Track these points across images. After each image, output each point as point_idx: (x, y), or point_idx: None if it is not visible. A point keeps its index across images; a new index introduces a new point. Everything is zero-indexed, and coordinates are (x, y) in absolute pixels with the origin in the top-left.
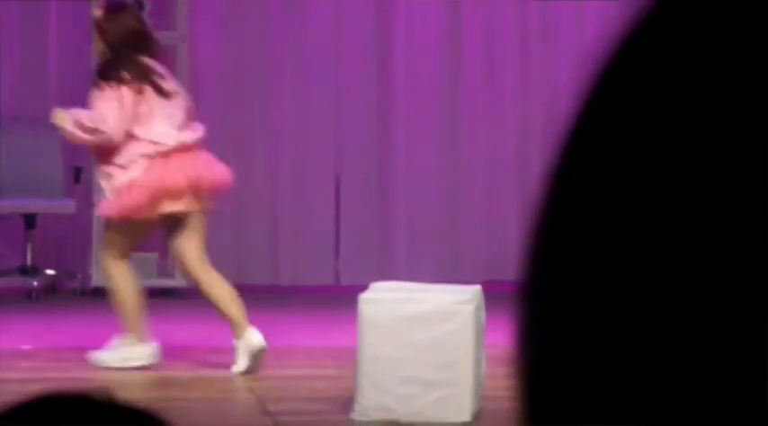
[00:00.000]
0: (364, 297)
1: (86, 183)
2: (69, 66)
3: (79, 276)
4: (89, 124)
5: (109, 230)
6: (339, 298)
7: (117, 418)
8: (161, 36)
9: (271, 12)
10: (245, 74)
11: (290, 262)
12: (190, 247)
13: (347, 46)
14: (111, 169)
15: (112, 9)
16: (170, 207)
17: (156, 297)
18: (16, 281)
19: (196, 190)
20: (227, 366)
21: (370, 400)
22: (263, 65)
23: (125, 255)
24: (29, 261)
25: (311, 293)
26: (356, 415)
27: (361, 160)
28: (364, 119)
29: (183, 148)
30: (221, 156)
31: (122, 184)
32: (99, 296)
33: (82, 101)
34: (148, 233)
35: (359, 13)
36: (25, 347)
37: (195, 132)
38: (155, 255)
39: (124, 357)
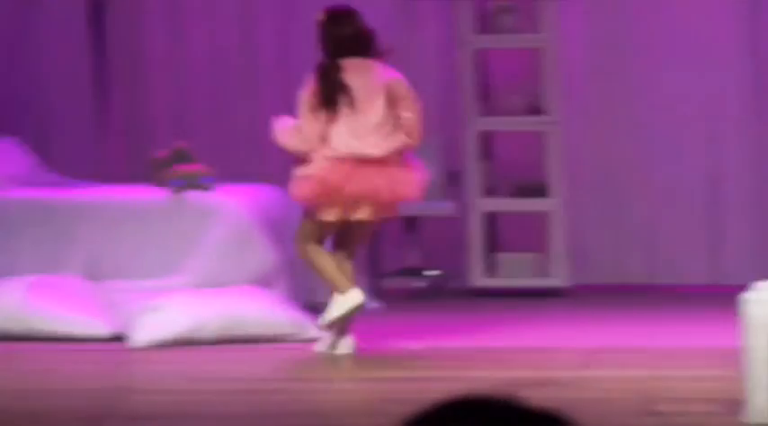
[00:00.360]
0: (748, 297)
1: (463, 186)
2: None
3: (460, 276)
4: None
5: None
6: (716, 298)
7: (532, 419)
8: (529, 39)
9: (635, 10)
10: (612, 73)
11: (666, 262)
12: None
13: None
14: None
15: (327, 16)
16: (346, 214)
17: (534, 296)
18: (401, 283)
19: (372, 201)
20: (612, 365)
21: (762, 402)
22: (630, 61)
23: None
24: (412, 263)
25: (687, 292)
26: (747, 418)
27: (737, 157)
28: (741, 110)
29: (361, 160)
30: (591, 157)
31: (303, 175)
32: (480, 295)
33: None
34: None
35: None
36: (414, 346)
37: (379, 146)
38: (532, 255)
39: (339, 305)
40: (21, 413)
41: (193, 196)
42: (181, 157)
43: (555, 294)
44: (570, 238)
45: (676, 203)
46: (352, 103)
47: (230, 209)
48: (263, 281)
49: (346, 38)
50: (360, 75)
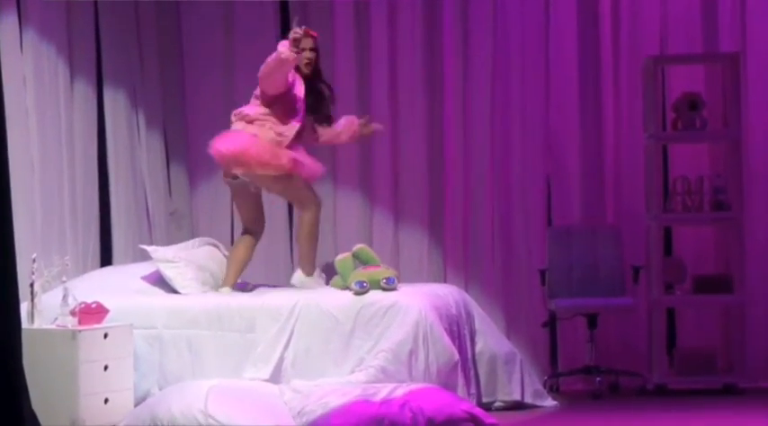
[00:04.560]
0: None
1: (643, 283)
2: None
3: (640, 374)
4: None
5: None
6: None
7: None
8: (718, 135)
9: None
10: None
11: None
12: None
13: None
14: None
15: None
16: None
17: (712, 395)
18: (581, 381)
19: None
20: None
21: None
22: None
23: None
24: (592, 361)
25: None
26: None
27: None
28: None
29: None
30: None
31: None
32: (660, 394)
33: None
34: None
35: None
36: None
37: None
38: (713, 352)
39: None
40: None
41: (375, 296)
42: (362, 258)
43: (735, 392)
44: (752, 335)
45: None
46: None
47: (411, 309)
48: (441, 380)
49: None
50: None
